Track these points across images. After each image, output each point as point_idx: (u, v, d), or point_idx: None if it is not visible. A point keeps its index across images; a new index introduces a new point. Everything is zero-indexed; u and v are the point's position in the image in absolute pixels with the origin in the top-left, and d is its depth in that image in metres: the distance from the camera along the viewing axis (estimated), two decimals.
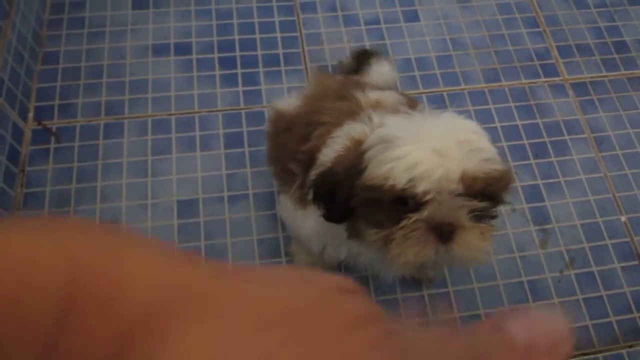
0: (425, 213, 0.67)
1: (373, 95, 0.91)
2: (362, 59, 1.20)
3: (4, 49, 1.25)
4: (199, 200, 1.25)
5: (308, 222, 0.91)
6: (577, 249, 1.26)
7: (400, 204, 0.69)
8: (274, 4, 1.54)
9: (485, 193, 0.68)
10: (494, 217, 0.73)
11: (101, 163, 1.29)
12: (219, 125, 1.35)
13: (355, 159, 0.73)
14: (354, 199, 0.73)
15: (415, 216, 0.68)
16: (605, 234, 1.28)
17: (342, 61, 1.29)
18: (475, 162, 0.67)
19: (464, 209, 0.68)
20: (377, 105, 0.88)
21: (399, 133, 0.70)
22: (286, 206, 0.98)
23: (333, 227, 0.82)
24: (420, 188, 0.66)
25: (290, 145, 0.95)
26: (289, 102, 1.02)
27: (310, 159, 0.86)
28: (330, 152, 0.83)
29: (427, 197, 0.66)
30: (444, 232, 0.68)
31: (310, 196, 0.81)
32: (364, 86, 0.96)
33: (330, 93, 0.95)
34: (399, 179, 0.66)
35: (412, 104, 0.98)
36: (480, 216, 0.70)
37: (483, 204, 0.68)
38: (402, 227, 0.69)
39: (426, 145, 0.67)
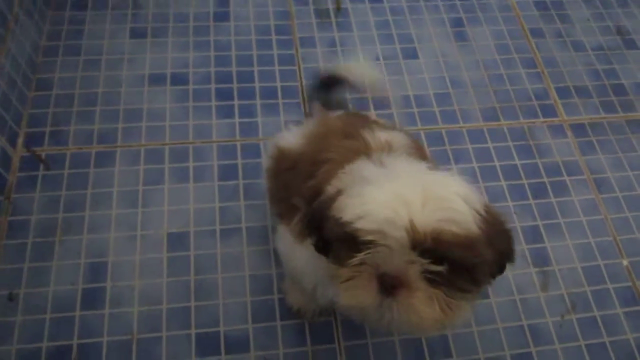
0: (369, 255, 0.63)
1: (383, 135, 0.88)
2: (329, 82, 1.16)
3: None
4: (190, 233, 1.21)
5: (304, 254, 0.87)
6: (578, 293, 1.22)
7: (355, 242, 0.64)
8: (273, 37, 1.53)
9: (444, 256, 0.62)
10: (467, 291, 0.66)
11: (90, 192, 1.25)
12: (213, 156, 1.32)
13: (336, 194, 0.71)
14: (327, 233, 0.70)
15: (360, 257, 0.64)
16: (606, 278, 1.24)
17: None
18: (431, 218, 0.62)
19: (415, 267, 0.63)
20: (388, 147, 0.84)
21: (377, 175, 0.68)
22: (284, 238, 0.94)
23: (324, 264, 0.79)
24: (363, 225, 0.62)
25: (294, 184, 0.91)
26: (291, 139, 0.98)
27: (315, 194, 0.83)
28: (339, 184, 0.80)
29: (370, 237, 0.62)
30: (386, 285, 0.63)
31: (305, 224, 0.78)
32: (372, 125, 0.92)
33: (336, 131, 0.92)
34: (349, 213, 0.64)
35: (419, 148, 0.94)
36: (441, 283, 0.64)
37: (437, 268, 0.62)
38: (349, 267, 0.65)
39: (390, 189, 0.64)
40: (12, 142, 1.27)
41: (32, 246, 1.17)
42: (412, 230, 0.61)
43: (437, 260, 0.62)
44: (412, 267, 0.63)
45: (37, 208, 1.22)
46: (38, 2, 1.46)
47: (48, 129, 1.33)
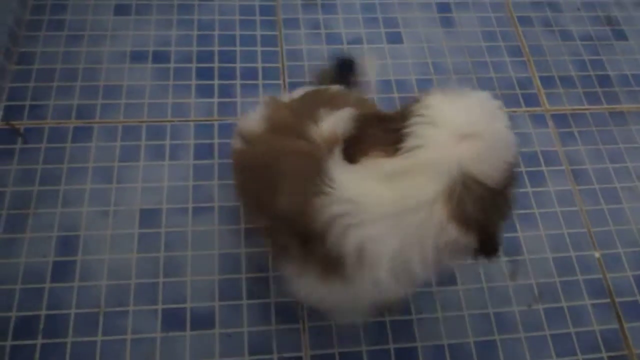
0: None
1: (326, 125, 0.85)
2: (344, 70, 1.17)
3: None
4: (162, 210, 1.22)
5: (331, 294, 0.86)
6: (547, 283, 1.22)
7: None
8: (257, 17, 1.53)
9: None
10: None
11: (66, 167, 1.26)
12: (190, 135, 1.32)
13: None
14: None
15: None
16: (577, 269, 1.24)
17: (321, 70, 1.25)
18: None
19: None
20: (332, 141, 0.82)
21: None
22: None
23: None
24: None
25: (256, 193, 0.92)
26: (251, 125, 0.95)
27: (293, 221, 0.81)
28: None
29: None
30: None
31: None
32: (318, 112, 0.88)
33: (285, 126, 0.89)
34: None
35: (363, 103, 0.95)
36: None
37: None
38: None
39: None
40: None
41: (7, 217, 1.19)
42: None
43: None
44: None
45: (12, 180, 1.23)
46: None
47: (28, 103, 1.33)
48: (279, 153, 0.86)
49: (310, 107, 0.91)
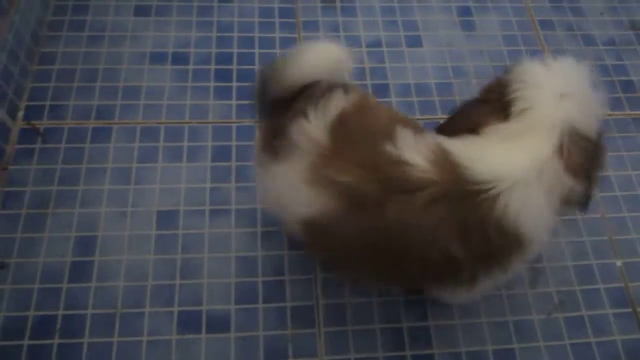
0: None
1: (415, 157, 0.77)
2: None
3: None
4: (179, 212, 1.22)
5: None
6: (567, 291, 1.20)
7: None
8: (276, 20, 1.53)
9: None
10: None
11: (85, 167, 1.26)
12: (208, 137, 1.32)
13: None
14: None
15: None
16: (598, 278, 1.22)
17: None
18: None
19: None
20: (436, 159, 0.77)
21: None
22: None
23: None
24: None
25: (391, 266, 0.87)
26: (313, 210, 0.82)
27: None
28: None
29: None
30: None
31: None
32: (384, 152, 0.78)
33: (382, 196, 0.77)
34: None
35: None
36: None
37: None
38: None
39: None
40: (12, 114, 1.30)
41: (26, 217, 1.19)
42: None
43: None
44: None
45: (32, 180, 1.24)
46: None
47: (48, 103, 1.34)
48: (408, 219, 0.77)
49: (367, 153, 0.80)
